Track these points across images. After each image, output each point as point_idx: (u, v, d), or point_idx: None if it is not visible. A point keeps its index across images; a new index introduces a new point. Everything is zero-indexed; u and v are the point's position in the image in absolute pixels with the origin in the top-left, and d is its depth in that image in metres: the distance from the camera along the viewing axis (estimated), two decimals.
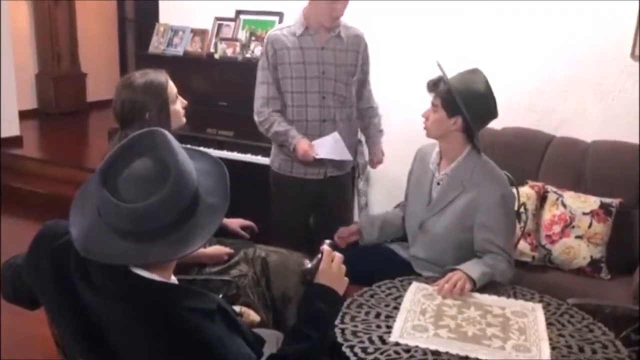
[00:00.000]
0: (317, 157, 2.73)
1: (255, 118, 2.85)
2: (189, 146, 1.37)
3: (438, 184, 2.32)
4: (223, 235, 2.54)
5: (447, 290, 2.00)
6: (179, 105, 2.27)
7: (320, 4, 2.67)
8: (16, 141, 5.69)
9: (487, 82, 2.23)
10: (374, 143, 3.05)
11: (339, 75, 2.82)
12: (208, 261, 2.31)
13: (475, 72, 2.26)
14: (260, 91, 2.82)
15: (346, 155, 2.83)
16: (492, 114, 2.26)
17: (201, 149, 3.65)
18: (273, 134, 2.80)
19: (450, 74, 2.27)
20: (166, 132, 1.25)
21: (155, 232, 1.18)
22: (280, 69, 2.78)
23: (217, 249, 2.34)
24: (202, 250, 2.27)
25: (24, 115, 6.16)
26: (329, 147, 2.78)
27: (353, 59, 2.86)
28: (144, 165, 1.20)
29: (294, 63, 2.77)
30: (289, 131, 2.76)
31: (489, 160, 2.31)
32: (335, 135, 2.81)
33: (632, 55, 3.22)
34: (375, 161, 3.07)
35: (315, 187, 2.89)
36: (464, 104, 2.16)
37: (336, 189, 2.96)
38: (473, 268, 2.09)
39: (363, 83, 2.98)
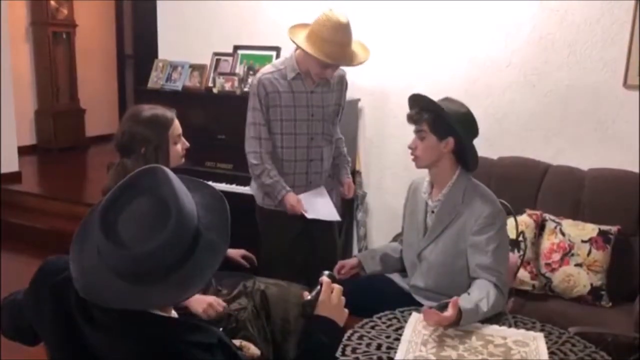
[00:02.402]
0: (306, 216, 2.75)
1: (250, 159, 2.85)
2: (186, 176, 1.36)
3: (432, 212, 2.33)
4: (224, 265, 2.53)
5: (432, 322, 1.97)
6: (180, 146, 2.28)
7: (311, 64, 2.69)
8: (15, 177, 5.71)
9: (464, 105, 2.28)
10: (346, 172, 3.07)
11: (326, 116, 2.88)
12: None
13: (450, 99, 2.32)
14: (253, 131, 2.84)
15: (334, 215, 2.83)
16: (477, 131, 2.29)
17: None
18: (260, 183, 2.85)
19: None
20: (166, 170, 1.24)
21: (156, 274, 1.18)
22: (272, 111, 2.81)
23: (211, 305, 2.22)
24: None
25: (23, 151, 6.20)
26: (317, 205, 2.80)
27: (337, 99, 2.94)
28: (144, 205, 1.19)
29: (284, 106, 2.80)
30: (276, 185, 2.79)
31: (479, 183, 2.33)
32: (322, 191, 2.86)
33: (625, 84, 3.27)
34: (352, 191, 3.06)
35: (300, 222, 2.89)
36: (455, 121, 2.20)
37: (321, 223, 2.95)
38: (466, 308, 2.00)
39: (338, 117, 3.03)
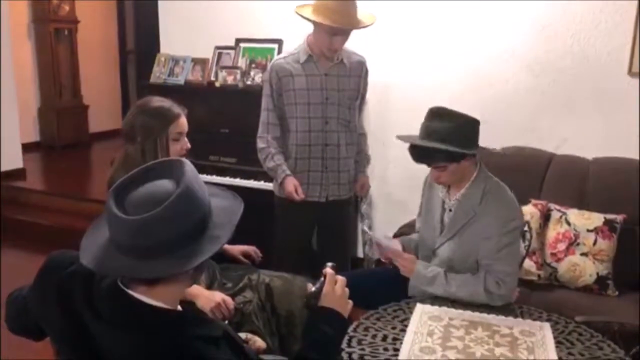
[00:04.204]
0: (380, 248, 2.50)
1: (258, 143, 2.93)
2: (214, 185, 1.40)
3: (450, 210, 2.30)
4: (226, 260, 2.54)
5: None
6: (179, 145, 2.24)
7: (320, 37, 2.75)
8: (19, 174, 5.72)
9: (449, 110, 2.20)
10: (363, 170, 3.08)
11: (342, 100, 2.88)
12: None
13: (434, 113, 2.20)
14: (262, 117, 2.91)
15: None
16: (477, 122, 2.21)
17: (204, 176, 3.69)
18: (266, 168, 2.92)
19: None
20: (189, 163, 1.27)
21: (151, 249, 1.19)
22: (285, 96, 2.84)
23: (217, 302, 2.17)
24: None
25: (27, 148, 6.20)
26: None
27: (355, 84, 2.93)
28: (155, 186, 1.23)
29: (298, 89, 2.83)
30: (277, 169, 2.85)
31: (499, 182, 2.28)
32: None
33: (630, 71, 3.25)
34: (365, 189, 3.07)
35: (316, 210, 2.93)
36: (465, 143, 2.13)
37: (337, 212, 2.98)
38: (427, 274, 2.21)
39: (359, 108, 3.02)
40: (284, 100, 2.85)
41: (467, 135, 2.17)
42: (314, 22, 2.72)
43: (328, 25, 2.67)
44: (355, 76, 2.92)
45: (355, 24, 2.75)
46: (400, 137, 2.23)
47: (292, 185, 2.81)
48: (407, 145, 2.22)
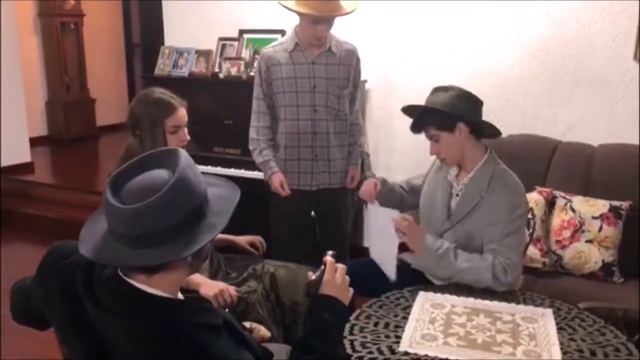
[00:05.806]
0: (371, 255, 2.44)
1: (250, 133, 2.99)
2: (212, 174, 1.41)
3: (457, 195, 2.30)
4: (232, 250, 2.56)
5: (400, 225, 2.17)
6: (176, 138, 2.23)
7: (305, 26, 2.79)
8: (28, 167, 5.77)
9: (453, 86, 2.24)
10: (354, 162, 3.07)
11: (331, 88, 2.88)
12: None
13: (438, 87, 2.26)
14: (254, 106, 2.97)
15: (389, 271, 2.30)
16: (478, 100, 2.23)
17: (209, 167, 3.68)
18: (256, 162, 3.00)
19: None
20: (185, 153, 1.28)
21: (147, 237, 1.19)
22: (274, 84, 2.87)
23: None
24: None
25: (34, 142, 6.26)
26: (383, 250, 2.37)
27: (345, 73, 2.92)
28: (151, 175, 1.24)
29: (285, 78, 2.85)
30: (265, 165, 2.92)
31: (507, 168, 2.28)
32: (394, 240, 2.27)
33: (635, 57, 3.22)
34: (353, 182, 3.07)
35: (309, 199, 2.96)
36: (454, 106, 2.16)
37: (330, 201, 2.99)
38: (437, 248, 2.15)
39: (352, 98, 3.02)
40: (273, 89, 2.88)
41: (465, 107, 2.19)
42: (297, 12, 2.75)
43: (309, 14, 2.70)
44: (345, 65, 2.91)
45: (336, 11, 2.77)
46: (403, 108, 2.30)
47: (278, 181, 2.87)
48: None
